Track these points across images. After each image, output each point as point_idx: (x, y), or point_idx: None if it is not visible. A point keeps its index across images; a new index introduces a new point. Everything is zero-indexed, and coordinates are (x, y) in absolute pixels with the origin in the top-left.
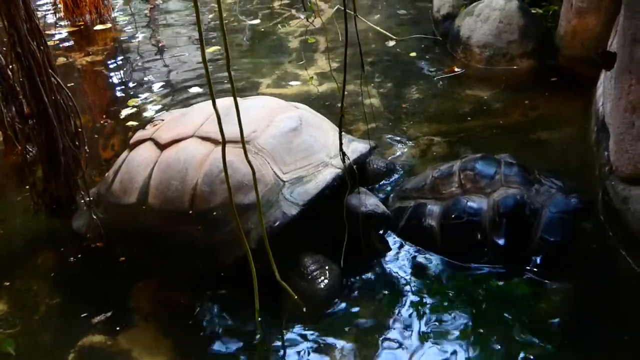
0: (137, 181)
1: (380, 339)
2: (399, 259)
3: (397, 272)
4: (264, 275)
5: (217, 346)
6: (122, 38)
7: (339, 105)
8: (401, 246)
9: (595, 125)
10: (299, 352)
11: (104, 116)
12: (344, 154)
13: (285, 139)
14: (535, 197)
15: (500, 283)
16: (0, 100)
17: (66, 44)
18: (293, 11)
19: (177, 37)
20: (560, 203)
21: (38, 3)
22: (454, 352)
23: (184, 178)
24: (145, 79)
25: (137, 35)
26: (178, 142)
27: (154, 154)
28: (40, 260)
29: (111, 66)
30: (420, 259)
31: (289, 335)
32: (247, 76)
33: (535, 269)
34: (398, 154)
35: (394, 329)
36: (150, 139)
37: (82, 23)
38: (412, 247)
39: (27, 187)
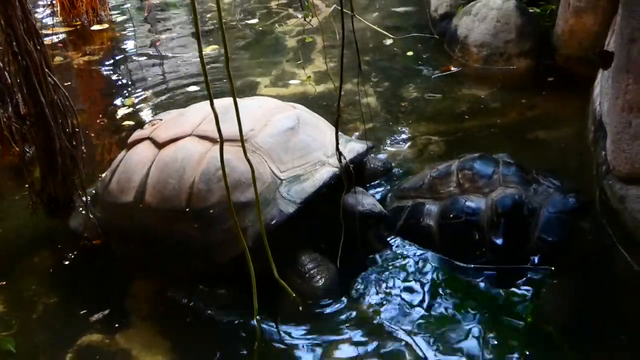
0: (135, 180)
1: (378, 337)
2: (397, 258)
3: (394, 271)
4: (262, 274)
5: (215, 345)
6: (119, 38)
7: (337, 104)
8: (399, 245)
9: (592, 125)
10: (296, 350)
11: (101, 116)
12: (340, 154)
13: (283, 138)
14: (533, 197)
15: (498, 283)
16: None
17: (63, 43)
18: (290, 10)
19: (174, 36)
20: (558, 203)
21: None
22: (452, 351)
23: (181, 176)
24: (142, 78)
25: (134, 35)
26: (176, 141)
27: (151, 153)
28: (38, 259)
29: (108, 66)
30: (418, 258)
31: (286, 334)
32: (244, 75)
33: (533, 269)
34: (395, 153)
35: (391, 327)
36: (148, 138)
37: (79, 23)
38: (410, 247)
39: (25, 187)
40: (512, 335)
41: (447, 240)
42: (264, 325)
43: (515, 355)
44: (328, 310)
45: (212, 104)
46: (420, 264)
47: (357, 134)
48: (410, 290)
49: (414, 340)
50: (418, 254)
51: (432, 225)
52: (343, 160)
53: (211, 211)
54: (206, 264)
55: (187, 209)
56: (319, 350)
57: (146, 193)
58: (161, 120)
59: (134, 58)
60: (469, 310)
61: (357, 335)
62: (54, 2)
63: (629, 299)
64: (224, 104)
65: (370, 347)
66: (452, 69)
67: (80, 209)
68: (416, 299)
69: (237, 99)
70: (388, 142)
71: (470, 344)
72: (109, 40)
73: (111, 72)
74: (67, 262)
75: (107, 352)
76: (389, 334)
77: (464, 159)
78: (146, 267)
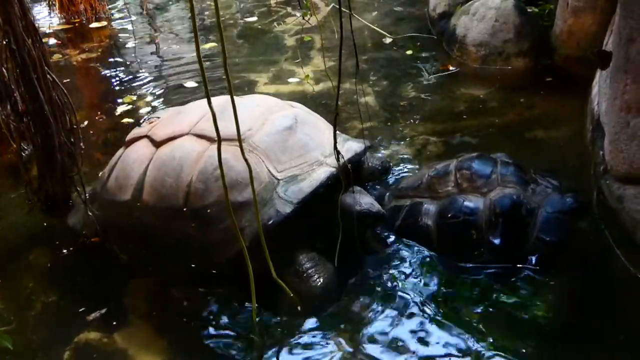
0: (132, 178)
1: (376, 337)
2: (395, 257)
3: (392, 271)
4: (259, 273)
5: (213, 344)
6: (117, 35)
7: (335, 103)
8: (397, 245)
9: (590, 125)
10: (294, 350)
11: (99, 113)
12: (338, 153)
13: (280, 137)
14: (531, 197)
15: (497, 283)
16: None
17: (61, 41)
18: (289, 9)
19: (173, 33)
20: (556, 203)
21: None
22: (450, 351)
23: (178, 175)
24: (141, 75)
25: (132, 32)
26: (173, 139)
27: (149, 152)
28: (36, 257)
29: (106, 63)
30: (416, 257)
31: (284, 333)
32: (243, 74)
33: (531, 269)
34: (393, 152)
35: (390, 327)
36: (146, 136)
37: (78, 20)
38: (408, 246)
39: (22, 184)
40: (511, 335)
41: (445, 240)
42: (262, 325)
43: (514, 354)
44: (326, 309)
45: (209, 103)
46: (418, 264)
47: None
48: (408, 290)
49: (412, 340)
50: (416, 253)
51: (430, 225)
52: (341, 160)
53: (209, 210)
54: (205, 263)
55: (185, 208)
56: (317, 350)
57: (144, 191)
58: (159, 118)
59: (133, 55)
60: (467, 310)
61: (355, 334)
62: None
63: (628, 299)
64: (221, 102)
65: (369, 347)
66: (451, 68)
67: (79, 206)
68: (414, 298)
69: (235, 97)
70: (386, 141)
71: (469, 344)
72: (107, 37)
73: (109, 70)
74: (65, 260)
75: (105, 350)
76: (387, 334)
77: (462, 159)
78: (145, 265)
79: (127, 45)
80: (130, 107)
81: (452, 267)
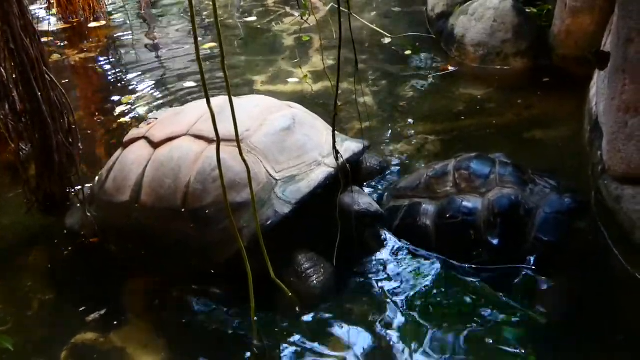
0: (131, 179)
1: (374, 336)
2: (393, 257)
3: (391, 271)
4: (258, 273)
5: (212, 344)
6: (116, 35)
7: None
8: (395, 245)
9: (588, 125)
10: (293, 350)
11: (97, 113)
12: (337, 152)
13: (278, 137)
14: (529, 197)
15: (495, 283)
16: None
17: (60, 40)
18: (287, 9)
19: (171, 33)
20: (554, 203)
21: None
22: (449, 350)
23: (176, 176)
24: (139, 75)
25: (131, 32)
26: (171, 140)
27: (147, 152)
28: (33, 257)
29: (105, 63)
30: (415, 257)
31: (283, 333)
32: (241, 74)
33: (530, 269)
34: (392, 152)
35: (388, 326)
36: (144, 137)
37: (76, 20)
38: (407, 246)
39: (20, 184)
40: (509, 334)
41: (443, 240)
42: (260, 325)
43: (513, 354)
44: (324, 309)
45: (208, 103)
46: (417, 264)
47: (356, 131)
48: (407, 289)
49: (410, 340)
50: (414, 253)
51: (428, 225)
52: (340, 159)
53: (207, 211)
54: (203, 264)
55: (183, 209)
56: (315, 349)
57: (142, 192)
58: (157, 119)
59: (131, 55)
60: (466, 309)
61: (354, 334)
62: None
63: (627, 299)
64: (219, 102)
65: (367, 346)
66: (450, 68)
67: (77, 206)
68: (413, 298)
69: (233, 97)
70: (385, 141)
71: (468, 344)
72: (105, 37)
73: (108, 69)
74: (63, 260)
75: (103, 350)
76: (385, 334)
77: (461, 159)
78: (143, 266)
79: (125, 45)
80: (128, 106)
81: (450, 267)
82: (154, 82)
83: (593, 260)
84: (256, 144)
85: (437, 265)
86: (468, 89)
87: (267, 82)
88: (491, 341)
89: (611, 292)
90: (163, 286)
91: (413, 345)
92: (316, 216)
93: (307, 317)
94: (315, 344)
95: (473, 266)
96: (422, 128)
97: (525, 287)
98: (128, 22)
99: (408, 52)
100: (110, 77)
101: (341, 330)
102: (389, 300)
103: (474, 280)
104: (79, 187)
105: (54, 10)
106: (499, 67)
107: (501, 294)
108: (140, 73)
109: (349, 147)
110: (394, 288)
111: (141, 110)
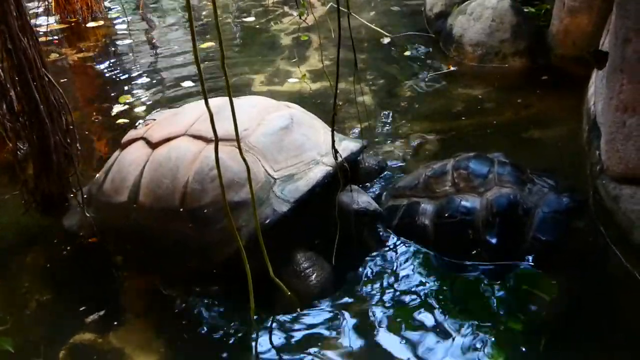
0: (129, 180)
1: (374, 335)
2: (392, 256)
3: (390, 270)
4: (257, 273)
5: (211, 344)
6: (114, 34)
7: (332, 102)
8: (394, 244)
9: (586, 125)
10: (292, 349)
11: (95, 113)
12: (336, 151)
13: (277, 137)
14: (528, 197)
15: (494, 282)
16: None
17: (58, 40)
18: (286, 8)
19: (170, 33)
20: (552, 203)
21: None
22: (449, 349)
23: (175, 176)
24: (137, 75)
25: (129, 32)
26: (169, 140)
27: (145, 153)
28: (32, 257)
29: (103, 63)
30: (413, 257)
31: (282, 332)
32: (239, 73)
33: (528, 268)
34: (391, 152)
35: (388, 325)
36: (142, 137)
37: (74, 20)
38: (405, 245)
39: (19, 184)
40: (508, 334)
41: (442, 239)
42: (259, 324)
43: (512, 354)
44: (323, 308)
45: (207, 103)
46: (416, 263)
47: (354, 130)
48: (405, 289)
49: (409, 338)
50: (413, 252)
51: (427, 225)
52: (338, 158)
53: (205, 211)
54: (203, 263)
55: (181, 209)
56: (314, 349)
57: (141, 193)
58: (155, 119)
59: (129, 55)
60: (465, 309)
61: (353, 333)
62: None
63: (626, 298)
64: (217, 103)
65: (366, 345)
66: (449, 67)
67: (75, 207)
68: (412, 297)
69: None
70: (383, 140)
71: (467, 344)
72: (103, 37)
73: (106, 69)
74: (61, 260)
75: (101, 350)
76: (384, 333)
77: (460, 158)
78: (142, 266)
79: (123, 45)
80: (126, 106)
81: (449, 267)
82: (152, 82)
83: (592, 260)
84: (254, 144)
85: (436, 264)
86: (466, 88)
87: (266, 82)
88: (490, 340)
89: (610, 291)
90: (162, 286)
91: (413, 345)
92: (315, 215)
93: (306, 316)
94: (315, 343)
95: (472, 265)
96: (421, 127)
97: (524, 286)
98: (126, 22)
99: (407, 52)
100: (108, 77)
101: (340, 329)
102: (387, 299)
103: (473, 279)
104: (78, 187)
105: (52, 10)
106: (497, 66)
107: (500, 292)
108: (138, 73)
109: (347, 146)
110: (392, 287)
111: (139, 110)
